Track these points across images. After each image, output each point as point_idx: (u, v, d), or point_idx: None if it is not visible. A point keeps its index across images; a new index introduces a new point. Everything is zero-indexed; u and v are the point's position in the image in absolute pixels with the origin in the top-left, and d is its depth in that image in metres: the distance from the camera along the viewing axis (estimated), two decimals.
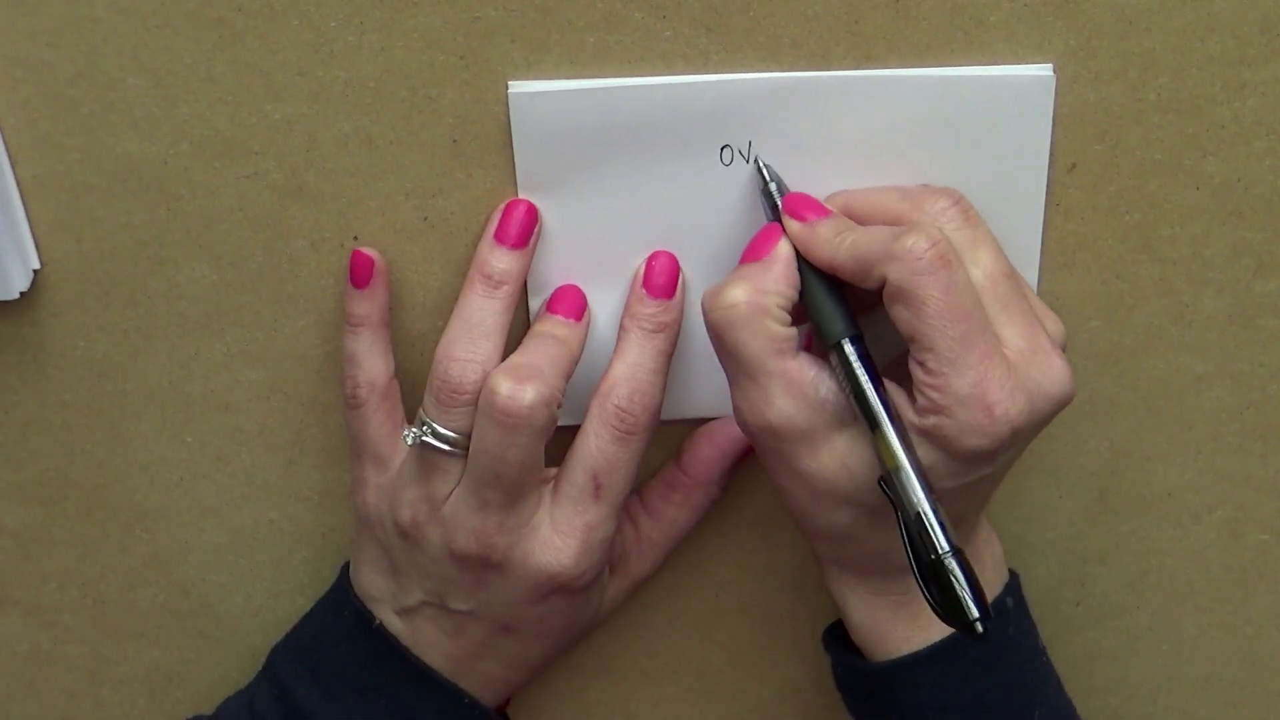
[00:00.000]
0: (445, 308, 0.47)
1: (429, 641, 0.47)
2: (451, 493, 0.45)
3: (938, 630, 0.44)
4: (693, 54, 0.43)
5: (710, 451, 0.49)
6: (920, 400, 0.40)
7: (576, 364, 0.45)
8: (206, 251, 0.47)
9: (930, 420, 0.40)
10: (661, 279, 0.46)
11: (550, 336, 0.45)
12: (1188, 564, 0.53)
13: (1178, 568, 0.53)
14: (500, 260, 0.45)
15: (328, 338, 0.48)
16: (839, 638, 0.48)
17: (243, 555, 0.53)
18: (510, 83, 0.43)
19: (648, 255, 0.46)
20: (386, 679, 0.47)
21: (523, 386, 0.42)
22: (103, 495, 0.51)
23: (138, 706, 0.56)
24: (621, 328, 0.46)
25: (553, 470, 0.46)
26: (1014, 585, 0.47)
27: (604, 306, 0.47)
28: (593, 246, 0.46)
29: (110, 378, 0.49)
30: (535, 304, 0.47)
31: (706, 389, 0.48)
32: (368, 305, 0.46)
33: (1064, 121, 0.44)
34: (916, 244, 0.39)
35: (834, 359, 0.41)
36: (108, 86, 0.44)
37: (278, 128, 0.44)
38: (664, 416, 0.46)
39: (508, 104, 0.44)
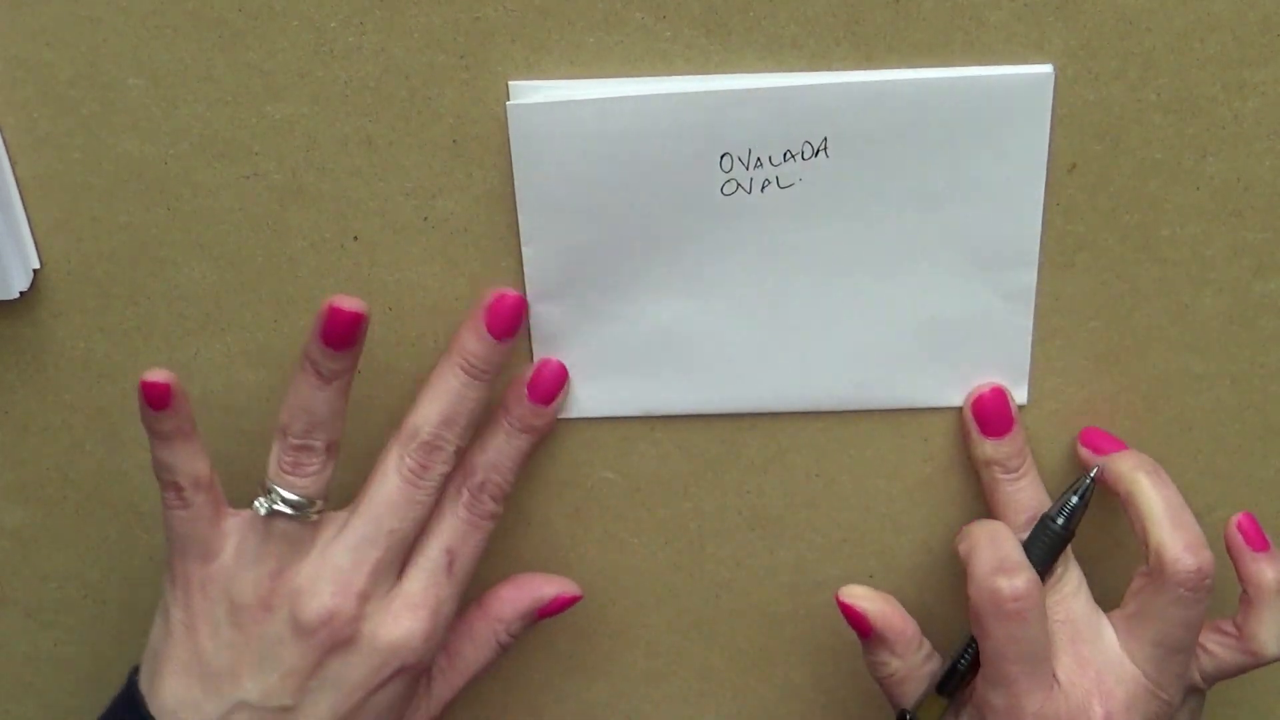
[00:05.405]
0: (445, 307, 0.47)
1: None
2: (305, 562, 0.45)
3: None
4: (693, 54, 0.43)
5: (512, 592, 0.50)
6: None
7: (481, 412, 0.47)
8: (206, 251, 0.47)
9: None
10: (544, 386, 0.48)
11: (467, 398, 0.46)
12: None
13: None
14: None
15: None
16: None
17: None
18: (510, 83, 0.43)
19: (539, 362, 0.48)
20: None
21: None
22: (103, 495, 0.51)
23: None
24: (495, 418, 0.48)
25: None
26: None
27: (604, 307, 0.47)
28: (592, 253, 0.46)
29: (110, 378, 0.49)
30: (539, 308, 0.47)
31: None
32: (171, 423, 0.44)
33: (1064, 121, 0.44)
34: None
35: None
36: (108, 86, 0.44)
37: (278, 128, 0.44)
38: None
39: (507, 107, 0.44)
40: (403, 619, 0.45)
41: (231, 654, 0.45)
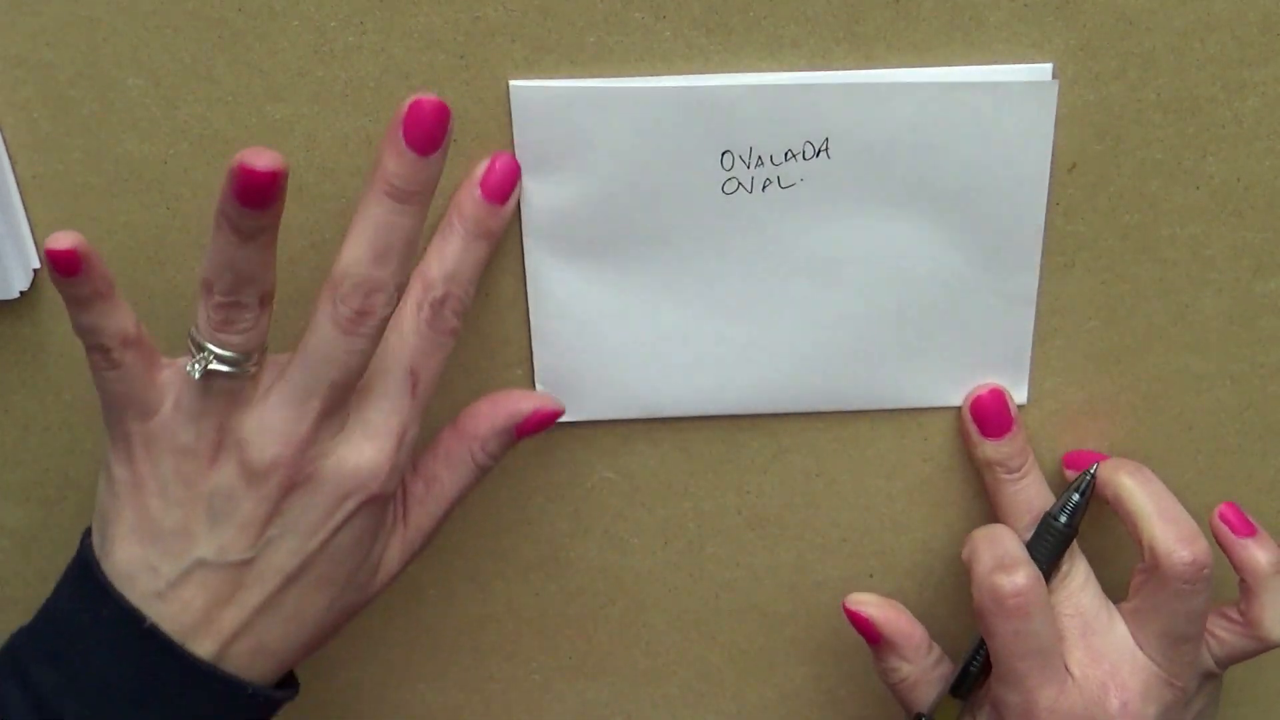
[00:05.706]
0: None
1: (194, 621, 0.43)
2: (249, 411, 0.42)
3: None
4: (693, 54, 0.43)
5: (488, 408, 0.47)
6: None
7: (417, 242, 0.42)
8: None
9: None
10: (497, 182, 0.44)
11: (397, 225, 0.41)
12: None
13: None
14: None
15: None
16: None
17: None
18: (511, 82, 0.43)
19: (491, 156, 0.45)
20: (160, 684, 0.43)
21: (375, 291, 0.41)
22: None
23: None
24: (448, 222, 0.44)
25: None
26: None
27: (605, 306, 0.47)
28: (594, 250, 0.46)
29: None
30: (540, 305, 0.47)
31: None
32: (88, 286, 0.41)
33: (1064, 121, 0.44)
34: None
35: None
36: (108, 86, 0.44)
37: (278, 128, 0.44)
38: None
39: (508, 104, 0.44)
40: (365, 448, 0.42)
41: (181, 512, 0.42)
